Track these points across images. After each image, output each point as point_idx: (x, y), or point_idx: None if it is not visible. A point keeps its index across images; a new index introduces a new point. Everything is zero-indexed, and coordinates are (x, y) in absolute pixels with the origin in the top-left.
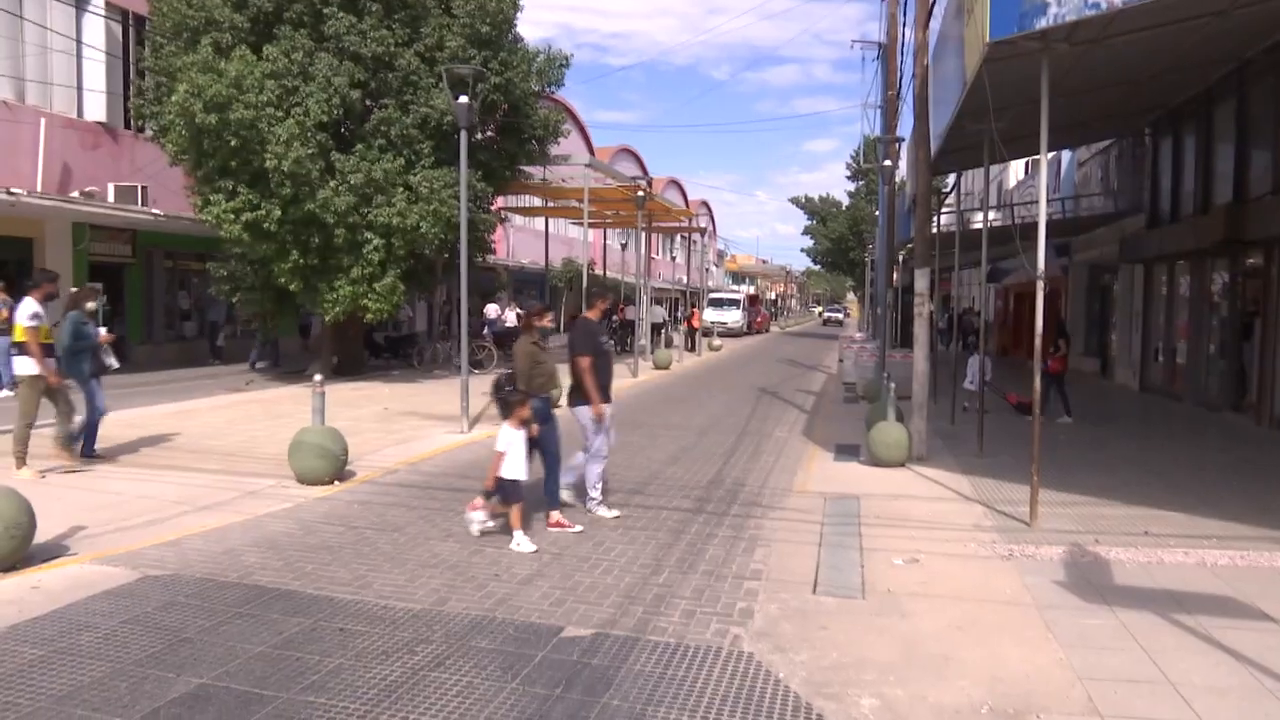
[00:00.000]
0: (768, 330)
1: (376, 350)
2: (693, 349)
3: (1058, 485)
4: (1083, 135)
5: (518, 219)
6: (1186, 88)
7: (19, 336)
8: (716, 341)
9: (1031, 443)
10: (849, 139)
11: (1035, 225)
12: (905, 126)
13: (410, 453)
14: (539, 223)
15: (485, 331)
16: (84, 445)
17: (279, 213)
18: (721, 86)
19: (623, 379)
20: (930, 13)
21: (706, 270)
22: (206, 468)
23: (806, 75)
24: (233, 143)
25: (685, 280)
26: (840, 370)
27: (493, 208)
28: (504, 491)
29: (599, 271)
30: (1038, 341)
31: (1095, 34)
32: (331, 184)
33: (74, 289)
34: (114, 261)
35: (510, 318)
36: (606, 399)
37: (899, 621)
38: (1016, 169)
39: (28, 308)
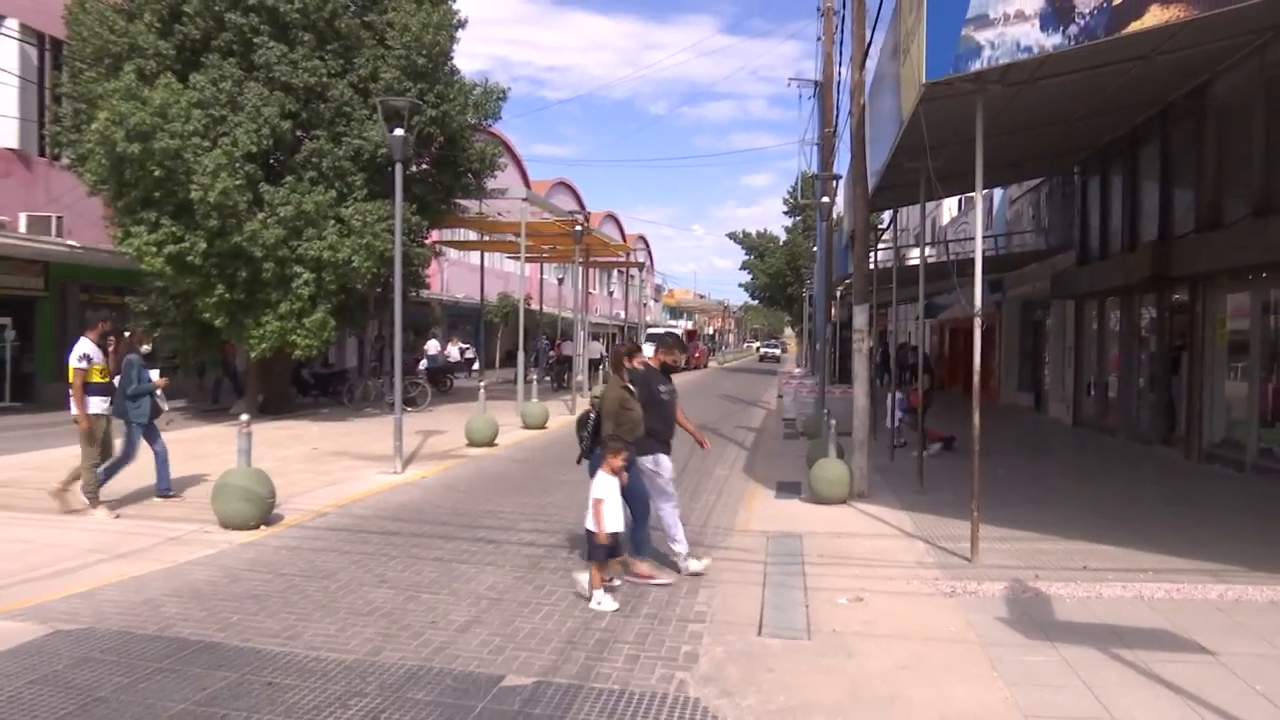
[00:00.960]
0: (706, 365)
1: (305, 388)
2: None
3: (997, 520)
4: (1015, 173)
5: (453, 253)
6: (1113, 128)
7: (70, 377)
8: None
9: (971, 478)
10: (786, 174)
11: (970, 261)
12: (842, 163)
13: (341, 495)
14: (474, 257)
15: (422, 368)
16: (159, 485)
17: (204, 245)
18: (659, 121)
19: (559, 416)
20: (866, 53)
21: (644, 305)
22: (123, 513)
23: (743, 111)
24: (156, 173)
25: (623, 315)
26: (780, 406)
27: (427, 241)
28: (594, 545)
29: (535, 306)
30: (975, 377)
31: (1027, 76)
32: (260, 216)
33: (128, 332)
34: (24, 295)
35: (453, 353)
36: (665, 451)
37: (845, 662)
38: (950, 206)
39: (79, 349)
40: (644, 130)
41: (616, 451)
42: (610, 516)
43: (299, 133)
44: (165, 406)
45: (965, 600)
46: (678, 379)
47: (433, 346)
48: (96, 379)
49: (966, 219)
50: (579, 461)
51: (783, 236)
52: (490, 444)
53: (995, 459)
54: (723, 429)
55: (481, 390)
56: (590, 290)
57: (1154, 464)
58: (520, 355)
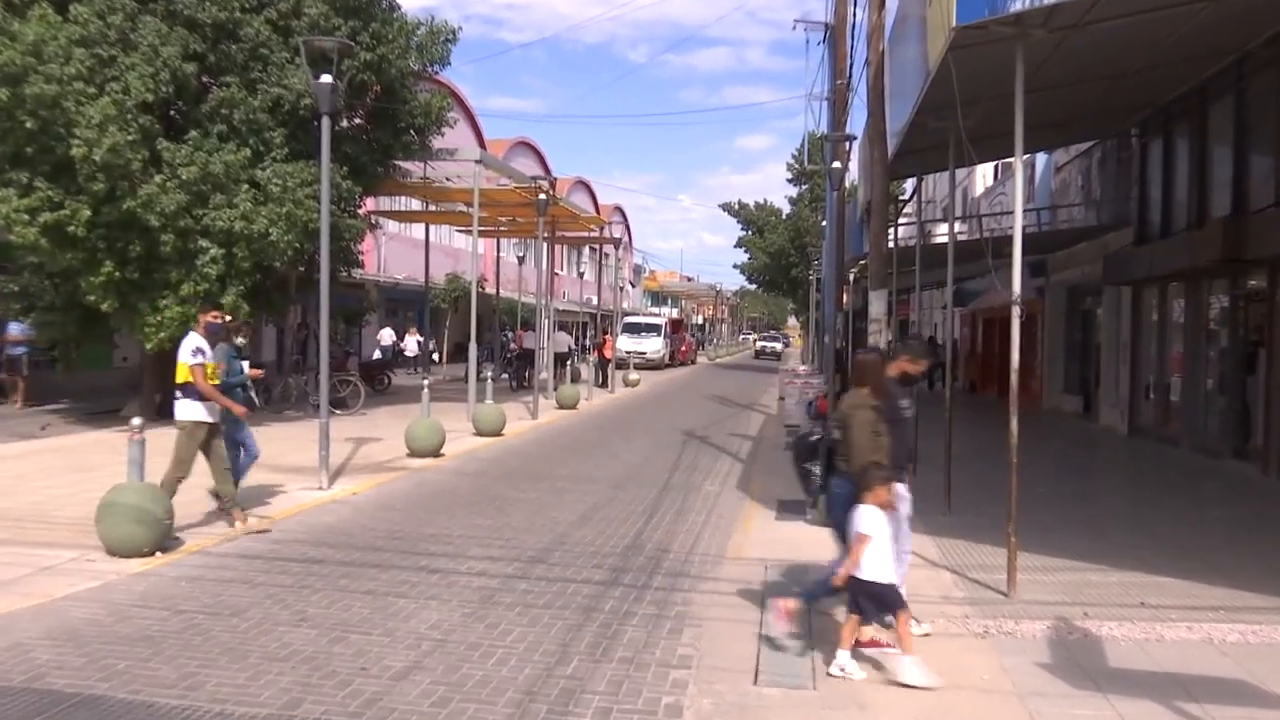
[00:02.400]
0: (693, 361)
1: None
2: (604, 384)
3: (1039, 547)
4: (1061, 136)
5: (391, 225)
6: (1178, 83)
7: (182, 376)
8: (633, 375)
9: (1007, 497)
10: (790, 136)
11: (1007, 239)
12: (857, 122)
13: (255, 514)
14: (417, 230)
15: (375, 357)
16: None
17: (89, 214)
18: (638, 71)
19: (520, 420)
20: None
21: (621, 289)
22: None
23: (739, 60)
24: (29, 124)
25: (595, 301)
26: (781, 411)
27: (361, 211)
28: (862, 597)
29: (490, 290)
30: (1013, 377)
31: (1076, 19)
32: (158, 179)
33: (227, 318)
34: None
35: (410, 345)
36: (898, 478)
37: (857, 715)
38: (984, 174)
39: (190, 342)
40: (621, 82)
41: (884, 482)
42: (878, 561)
43: (206, 78)
44: (259, 402)
45: (1000, 642)
46: (664, 376)
47: (386, 336)
48: (210, 379)
49: (1004, 189)
50: (814, 505)
51: (786, 209)
52: (435, 454)
53: (1036, 474)
54: (713, 437)
55: (425, 390)
56: (556, 271)
57: (1224, 481)
58: (472, 348)
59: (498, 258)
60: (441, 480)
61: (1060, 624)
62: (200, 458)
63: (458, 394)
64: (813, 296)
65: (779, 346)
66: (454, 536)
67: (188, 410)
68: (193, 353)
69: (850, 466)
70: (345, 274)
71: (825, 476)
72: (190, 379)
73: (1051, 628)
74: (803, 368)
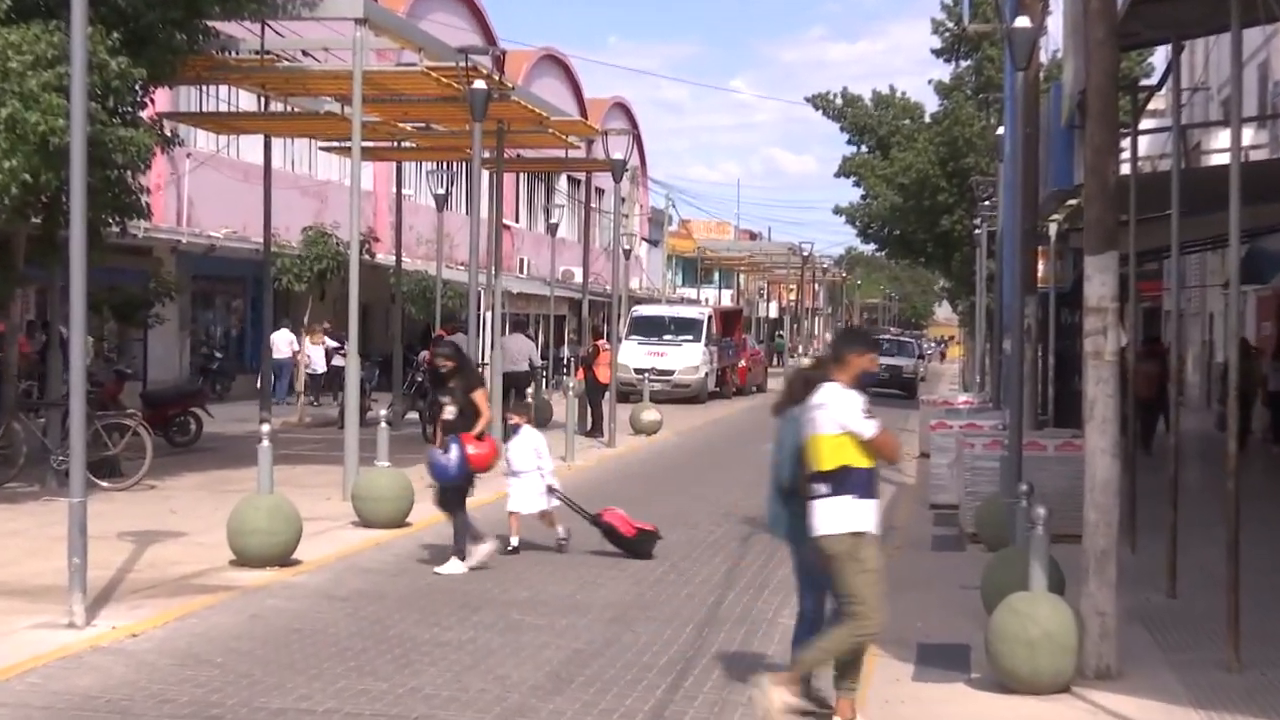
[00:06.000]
0: (760, 388)
1: None
2: (595, 431)
3: None
4: None
5: (203, 140)
6: None
7: (835, 458)
8: (651, 413)
9: None
10: None
11: None
12: None
13: None
14: (252, 150)
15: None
16: None
17: None
18: None
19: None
20: None
21: (628, 254)
22: None
23: None
24: None
25: (579, 277)
26: (923, 476)
27: (147, 115)
28: None
29: (380, 253)
30: None
31: None
32: None
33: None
34: None
35: (315, 357)
36: None
37: None
38: None
39: (846, 402)
40: None
41: None
42: None
43: None
44: None
45: None
46: (708, 415)
47: (282, 342)
48: (860, 460)
49: None
50: None
51: (931, 105)
52: (284, 562)
53: None
54: None
55: (264, 440)
56: (507, 222)
57: None
58: (352, 363)
59: (398, 197)
60: (296, 610)
61: None
62: None
63: (326, 449)
64: (981, 267)
65: (911, 364)
66: (319, 713)
67: (847, 515)
68: (860, 414)
69: None
70: (118, 229)
71: None
72: (851, 462)
73: None
74: (964, 398)
